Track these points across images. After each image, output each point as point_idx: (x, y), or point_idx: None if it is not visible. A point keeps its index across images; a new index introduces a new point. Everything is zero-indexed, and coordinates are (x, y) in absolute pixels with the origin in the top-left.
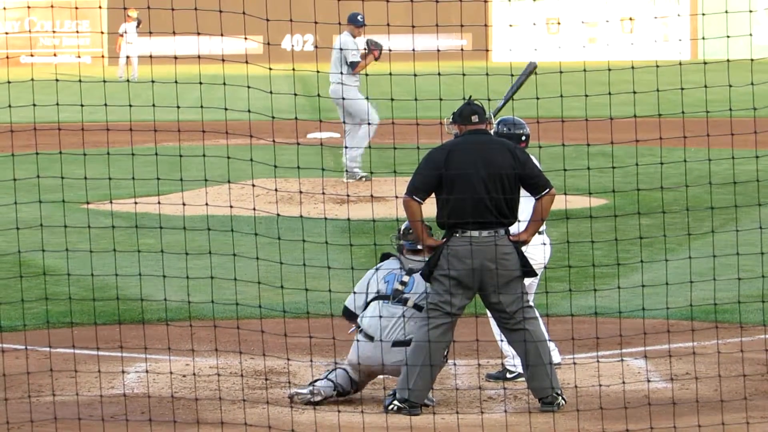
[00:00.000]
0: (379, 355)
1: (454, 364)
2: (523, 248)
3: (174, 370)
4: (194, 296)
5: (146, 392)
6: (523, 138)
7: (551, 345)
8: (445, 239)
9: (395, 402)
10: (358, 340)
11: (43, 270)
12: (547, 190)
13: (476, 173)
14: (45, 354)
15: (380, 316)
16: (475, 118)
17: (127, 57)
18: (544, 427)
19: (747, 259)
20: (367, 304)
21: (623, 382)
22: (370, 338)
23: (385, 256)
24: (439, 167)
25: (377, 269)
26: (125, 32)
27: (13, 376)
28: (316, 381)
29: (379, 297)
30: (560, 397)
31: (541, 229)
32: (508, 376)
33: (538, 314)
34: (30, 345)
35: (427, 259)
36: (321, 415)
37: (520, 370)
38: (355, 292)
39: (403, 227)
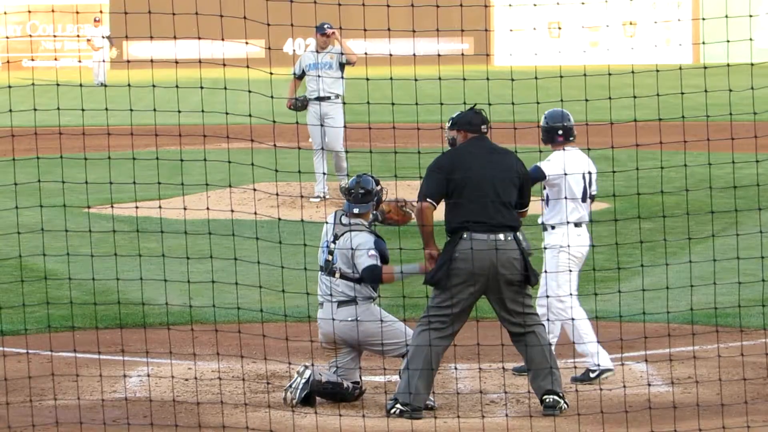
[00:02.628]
0: (331, 318)
1: (456, 368)
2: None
3: (175, 374)
4: (196, 300)
5: (148, 396)
6: (560, 132)
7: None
8: (449, 245)
9: (397, 406)
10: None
11: (44, 274)
12: (525, 209)
13: (485, 176)
14: (47, 358)
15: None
16: (484, 128)
17: (103, 60)
18: (546, 431)
19: (748, 263)
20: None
21: (624, 386)
22: (321, 305)
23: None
24: (448, 171)
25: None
26: (92, 37)
27: (15, 380)
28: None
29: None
30: (562, 401)
31: (580, 221)
32: (591, 376)
33: (585, 313)
34: (31, 349)
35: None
36: (323, 419)
37: (606, 365)
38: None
39: (346, 185)
